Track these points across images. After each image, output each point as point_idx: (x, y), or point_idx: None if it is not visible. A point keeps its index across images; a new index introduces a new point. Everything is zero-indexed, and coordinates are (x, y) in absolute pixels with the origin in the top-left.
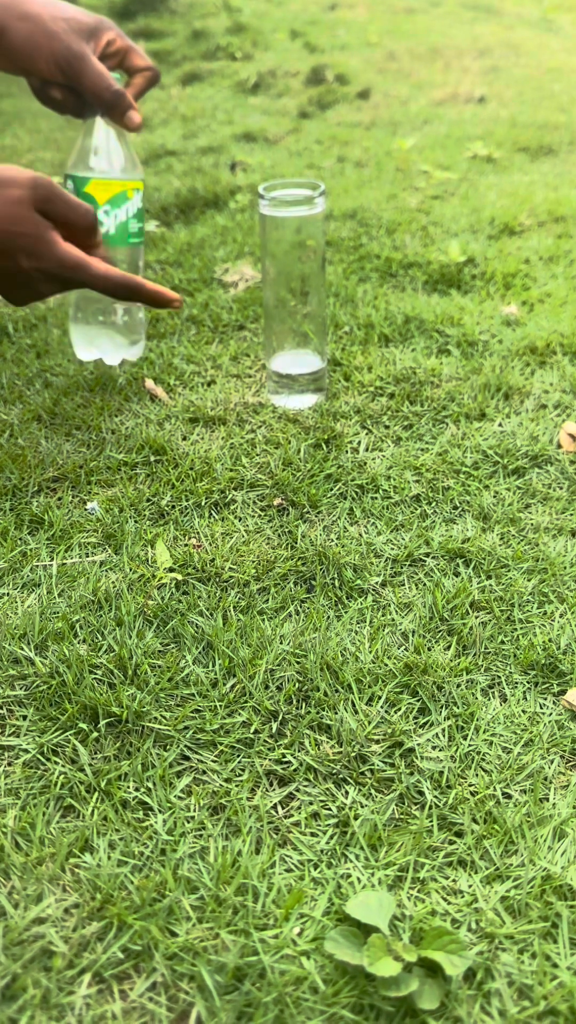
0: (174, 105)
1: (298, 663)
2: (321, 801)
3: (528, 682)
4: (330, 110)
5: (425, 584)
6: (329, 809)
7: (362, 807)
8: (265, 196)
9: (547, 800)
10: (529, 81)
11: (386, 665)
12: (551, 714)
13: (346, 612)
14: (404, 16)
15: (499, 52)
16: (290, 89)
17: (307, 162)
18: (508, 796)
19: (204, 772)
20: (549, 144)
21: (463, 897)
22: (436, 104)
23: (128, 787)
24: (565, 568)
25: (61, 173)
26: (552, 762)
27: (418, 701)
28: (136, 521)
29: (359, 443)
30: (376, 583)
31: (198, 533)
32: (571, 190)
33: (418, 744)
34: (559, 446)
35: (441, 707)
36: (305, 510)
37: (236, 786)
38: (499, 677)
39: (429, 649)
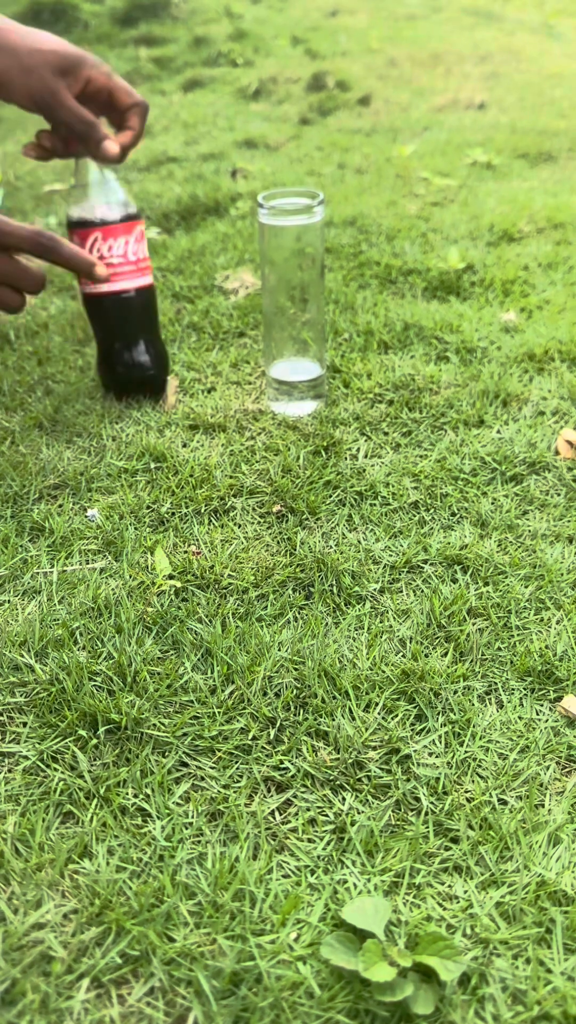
0: (175, 111)
1: (296, 670)
2: (318, 807)
3: (524, 688)
4: (331, 116)
5: (423, 591)
6: (326, 815)
7: (359, 813)
8: (264, 205)
9: (542, 806)
10: (529, 87)
11: (383, 672)
12: (547, 720)
13: (344, 619)
14: (405, 22)
15: (500, 58)
16: (291, 95)
17: (308, 169)
18: (504, 802)
19: (202, 778)
20: (549, 150)
21: (458, 903)
22: (436, 110)
23: (127, 793)
24: (562, 575)
25: (64, 180)
26: (548, 768)
27: (415, 708)
28: (136, 528)
29: (358, 450)
30: (374, 590)
31: (197, 540)
32: (570, 196)
33: (415, 751)
34: (557, 453)
35: (438, 714)
36: (304, 517)
37: (234, 792)
38: (496, 683)
39: (426, 656)
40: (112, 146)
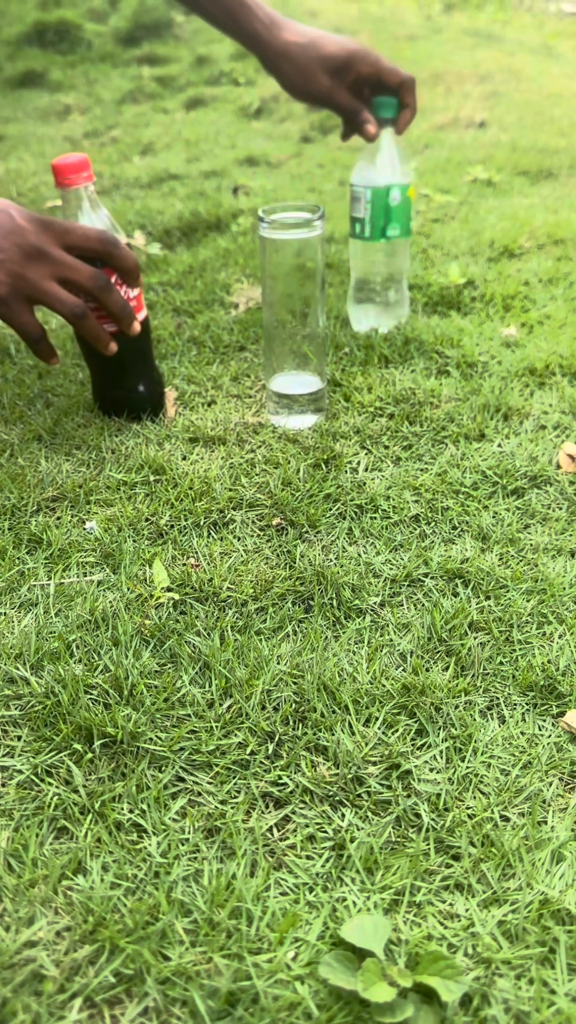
0: (178, 130)
1: (295, 684)
2: (317, 823)
3: (527, 703)
4: (332, 134)
5: (423, 604)
6: (325, 832)
7: (358, 830)
8: (265, 219)
9: (545, 823)
10: (529, 106)
11: (384, 686)
12: (550, 736)
13: (344, 632)
14: (406, 42)
15: (500, 77)
16: (292, 114)
17: (308, 185)
18: (506, 819)
19: (199, 794)
20: (549, 168)
21: (460, 921)
22: (437, 128)
23: (122, 809)
24: (564, 589)
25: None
26: (551, 784)
27: (415, 722)
28: (134, 540)
29: (358, 463)
30: (374, 603)
31: (196, 553)
32: (571, 213)
33: (415, 766)
34: (558, 467)
35: (439, 729)
36: (304, 530)
37: (231, 808)
38: (497, 698)
39: (427, 670)
40: (371, 128)
